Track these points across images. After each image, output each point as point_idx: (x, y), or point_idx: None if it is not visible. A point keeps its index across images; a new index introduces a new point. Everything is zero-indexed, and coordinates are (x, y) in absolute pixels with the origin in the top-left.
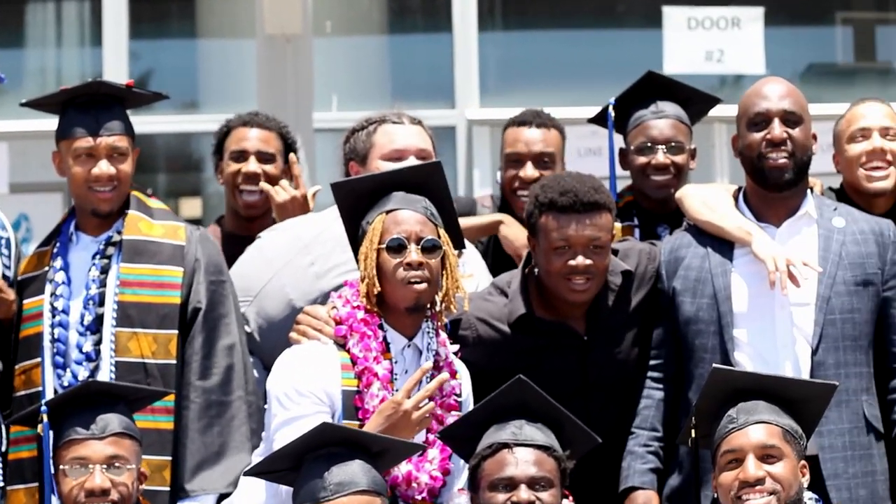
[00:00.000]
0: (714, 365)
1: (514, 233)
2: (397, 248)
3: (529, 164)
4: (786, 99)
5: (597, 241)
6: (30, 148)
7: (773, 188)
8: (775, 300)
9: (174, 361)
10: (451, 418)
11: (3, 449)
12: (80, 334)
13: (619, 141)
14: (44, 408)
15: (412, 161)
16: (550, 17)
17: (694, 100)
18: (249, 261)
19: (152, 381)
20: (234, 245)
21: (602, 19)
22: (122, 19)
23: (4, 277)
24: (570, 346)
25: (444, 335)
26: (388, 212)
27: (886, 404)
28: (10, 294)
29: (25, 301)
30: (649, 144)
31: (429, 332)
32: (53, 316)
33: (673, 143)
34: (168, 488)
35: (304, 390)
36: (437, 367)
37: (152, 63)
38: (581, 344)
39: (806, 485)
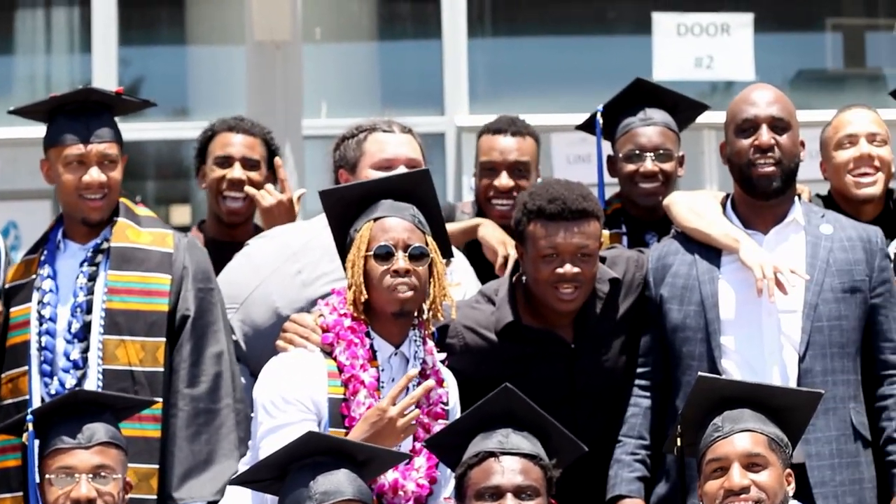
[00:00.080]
0: (699, 373)
1: (491, 233)
2: (385, 255)
3: (504, 174)
4: (774, 105)
5: (585, 249)
6: (19, 155)
7: (760, 196)
8: (762, 307)
9: (162, 369)
10: (439, 426)
11: None
12: (68, 342)
13: (607, 148)
14: (29, 417)
15: (402, 171)
16: (540, 23)
17: (682, 107)
18: (237, 268)
19: (140, 388)
20: (216, 251)
21: (591, 26)
22: (112, 26)
23: None
24: (558, 354)
25: (431, 343)
26: (375, 219)
27: (874, 412)
28: None
29: (13, 309)
30: (637, 152)
31: (416, 341)
32: (41, 324)
33: (661, 151)
34: (155, 496)
35: (290, 398)
36: (423, 375)
37: (142, 70)
38: (568, 352)
39: (791, 493)
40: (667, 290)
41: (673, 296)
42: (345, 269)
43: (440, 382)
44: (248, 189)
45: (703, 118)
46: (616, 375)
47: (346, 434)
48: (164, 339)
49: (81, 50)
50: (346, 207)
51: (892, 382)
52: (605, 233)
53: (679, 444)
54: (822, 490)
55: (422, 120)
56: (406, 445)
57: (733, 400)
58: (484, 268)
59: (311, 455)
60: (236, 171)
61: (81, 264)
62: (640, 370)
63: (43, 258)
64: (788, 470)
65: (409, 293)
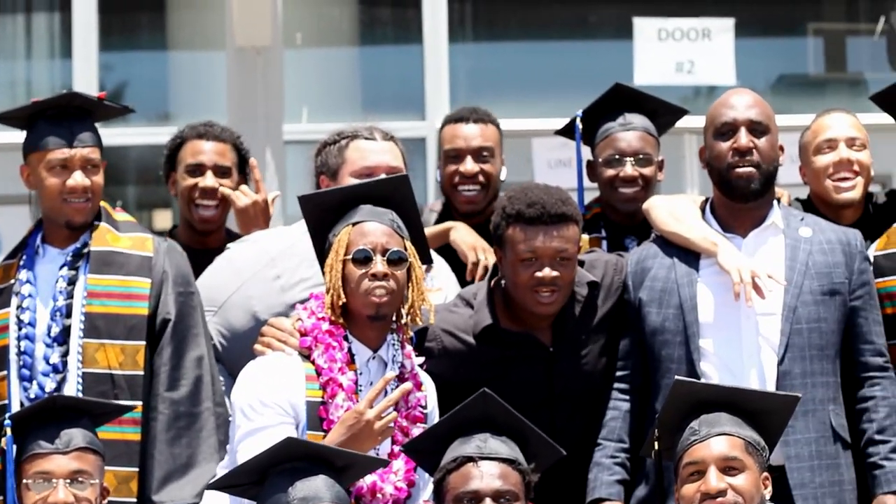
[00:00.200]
0: (676, 377)
1: (463, 236)
2: (363, 259)
3: (469, 159)
4: (752, 109)
5: (564, 254)
6: None
7: (739, 198)
8: (741, 310)
9: (142, 372)
10: (417, 430)
11: None
12: (48, 346)
13: (587, 153)
14: (7, 422)
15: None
16: (521, 28)
17: (661, 111)
18: (218, 271)
19: (120, 392)
20: (189, 258)
21: (573, 31)
22: (92, 31)
23: None
24: (537, 358)
25: (409, 347)
26: (354, 224)
27: (855, 414)
28: None
29: None
30: (617, 157)
31: (394, 345)
32: (20, 328)
33: (641, 156)
34: (135, 500)
35: (268, 401)
36: (402, 379)
37: (123, 75)
38: (547, 355)
39: (768, 497)
40: (646, 294)
41: (652, 299)
42: (323, 273)
43: (418, 386)
44: (223, 189)
45: (684, 123)
46: (595, 379)
47: (325, 437)
48: (143, 343)
49: (62, 55)
50: (324, 213)
51: (873, 384)
52: (585, 237)
53: (657, 447)
54: (801, 492)
55: (403, 125)
56: (384, 448)
57: (710, 403)
58: (461, 271)
59: (289, 461)
60: (208, 180)
61: (61, 268)
62: (619, 374)
63: (22, 263)
64: (765, 473)
65: (385, 297)
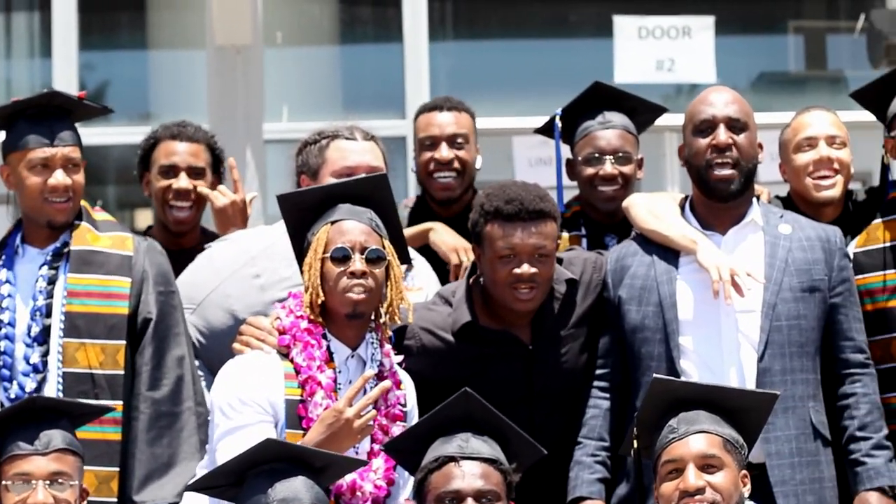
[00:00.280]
0: (654, 375)
1: (443, 238)
2: (342, 258)
3: (444, 145)
4: (731, 106)
5: (542, 250)
6: None
7: (718, 199)
8: (720, 307)
9: (122, 372)
10: (397, 428)
11: None
12: (28, 346)
13: (566, 151)
14: None
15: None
16: (501, 27)
17: (640, 109)
18: (198, 269)
19: (100, 391)
20: None
21: (553, 29)
22: (72, 31)
23: None
24: (516, 355)
25: (388, 346)
26: (333, 222)
27: (835, 411)
28: None
29: None
30: (597, 155)
31: (373, 343)
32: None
33: (620, 154)
34: (115, 500)
35: (247, 399)
36: (381, 378)
37: (103, 74)
38: (526, 353)
39: (747, 494)
40: (625, 292)
41: (631, 297)
42: (301, 272)
43: (398, 384)
44: (202, 189)
45: (665, 121)
46: (574, 376)
47: (304, 436)
48: (124, 343)
49: (42, 55)
50: (303, 212)
51: (853, 381)
52: (565, 235)
53: (635, 446)
54: (782, 489)
55: (383, 123)
56: (364, 447)
57: (688, 401)
58: (441, 270)
59: (268, 462)
60: (182, 181)
61: (41, 268)
62: (599, 372)
63: (1, 263)
64: (744, 471)
65: (363, 295)
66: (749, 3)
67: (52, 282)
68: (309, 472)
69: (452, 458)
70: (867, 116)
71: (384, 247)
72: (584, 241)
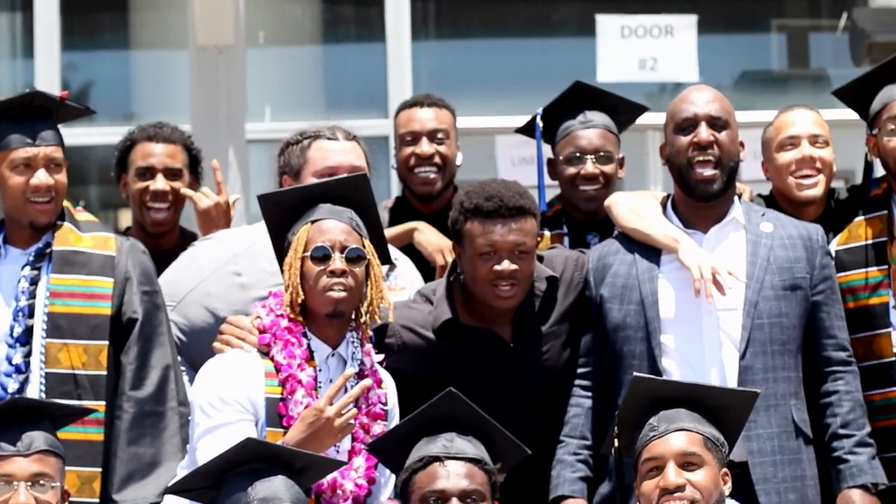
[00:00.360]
0: (635, 374)
1: (428, 238)
2: (322, 257)
3: (424, 140)
4: (712, 104)
5: (522, 247)
6: None
7: (700, 198)
8: (702, 306)
9: (105, 373)
10: (378, 427)
11: None
12: (10, 346)
13: (548, 151)
14: None
15: None
16: (484, 26)
17: (621, 109)
18: (182, 267)
19: (83, 392)
20: None
21: (536, 28)
22: (54, 31)
23: None
24: (496, 353)
25: (368, 345)
26: (313, 221)
27: (818, 409)
28: None
29: None
30: (578, 154)
31: (353, 342)
32: None
33: (602, 153)
34: (97, 500)
35: (227, 398)
36: (362, 377)
37: (85, 75)
38: (507, 350)
39: (728, 492)
40: (607, 290)
41: (613, 295)
42: (282, 271)
43: (378, 383)
44: (185, 191)
45: (648, 120)
46: (555, 374)
47: (284, 434)
48: (107, 343)
49: (24, 55)
50: (284, 212)
51: (836, 379)
52: (546, 234)
53: (616, 444)
54: (764, 486)
55: (366, 123)
56: (345, 445)
57: (669, 400)
58: (425, 270)
59: (248, 462)
60: (159, 183)
61: (23, 268)
62: (581, 370)
63: None
64: (725, 469)
65: (343, 293)
66: (731, 2)
67: (34, 282)
68: (289, 472)
69: (437, 458)
70: (850, 114)
71: (364, 246)
72: (566, 239)
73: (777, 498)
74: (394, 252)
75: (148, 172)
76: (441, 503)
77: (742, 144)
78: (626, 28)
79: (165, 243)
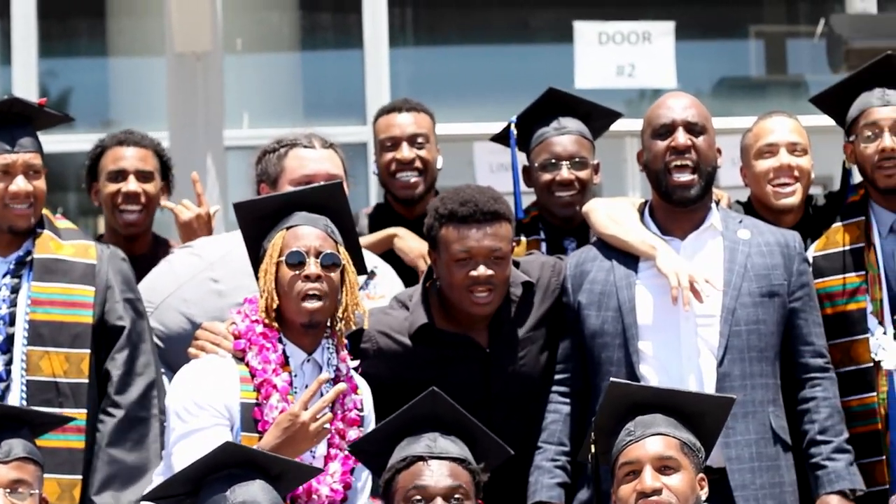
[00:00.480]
0: (611, 379)
1: (409, 245)
2: (297, 262)
3: (405, 145)
4: (689, 110)
5: (497, 252)
6: None
7: (677, 204)
8: (680, 313)
9: (86, 381)
10: (354, 433)
11: None
12: None
13: (523, 158)
14: None
15: None
16: (461, 32)
17: (595, 115)
18: (160, 274)
19: (64, 400)
20: None
21: (513, 34)
22: (32, 38)
23: None
24: (473, 358)
25: (344, 351)
26: (288, 228)
27: (796, 415)
28: None
29: None
30: (553, 161)
31: (329, 348)
32: None
33: (576, 159)
34: None
35: (202, 403)
36: (337, 382)
37: (63, 81)
38: (483, 356)
39: (704, 497)
40: (585, 297)
41: (591, 302)
42: (257, 277)
43: (354, 389)
44: (166, 203)
45: (625, 126)
46: (532, 380)
47: (260, 438)
48: (88, 351)
49: (1, 62)
50: (260, 220)
51: (813, 385)
52: (523, 239)
53: (593, 450)
54: (743, 493)
55: (343, 130)
56: (321, 450)
57: (645, 405)
58: (405, 276)
59: (227, 466)
60: (131, 185)
61: (4, 276)
62: (559, 377)
63: None
64: (701, 474)
65: (318, 303)
66: (709, 8)
67: (15, 290)
68: (266, 478)
69: (421, 458)
70: (828, 121)
71: (339, 252)
72: (544, 245)
73: None
74: (374, 260)
75: (119, 175)
76: (425, 502)
77: (719, 150)
78: (604, 34)
79: (138, 248)
